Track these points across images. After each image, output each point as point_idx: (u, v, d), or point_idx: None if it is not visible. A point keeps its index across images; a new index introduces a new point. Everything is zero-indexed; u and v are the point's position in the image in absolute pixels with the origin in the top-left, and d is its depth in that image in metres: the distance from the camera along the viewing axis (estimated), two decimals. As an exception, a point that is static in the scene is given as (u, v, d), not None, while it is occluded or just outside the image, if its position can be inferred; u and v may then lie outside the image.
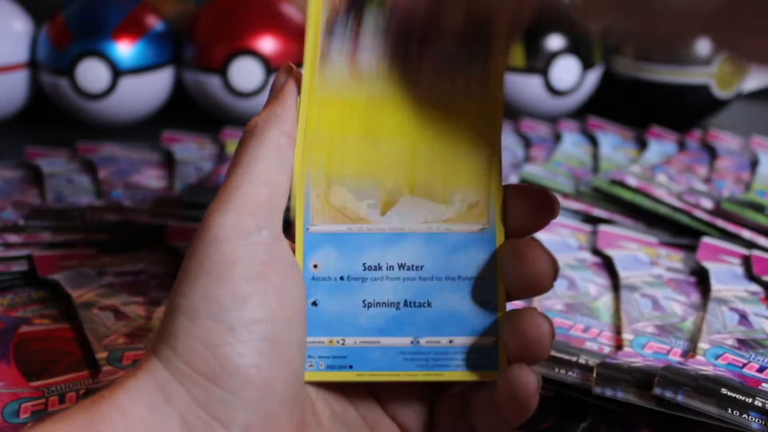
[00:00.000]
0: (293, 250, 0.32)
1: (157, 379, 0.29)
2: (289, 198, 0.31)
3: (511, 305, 0.32)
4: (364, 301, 0.32)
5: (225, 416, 0.28)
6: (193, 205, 0.57)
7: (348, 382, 0.32)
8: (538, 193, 0.32)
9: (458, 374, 0.32)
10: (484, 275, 0.32)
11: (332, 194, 0.32)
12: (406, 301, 0.32)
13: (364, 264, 0.32)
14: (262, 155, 0.30)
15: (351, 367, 0.32)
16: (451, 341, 0.32)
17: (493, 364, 0.32)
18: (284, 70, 0.33)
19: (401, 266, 0.32)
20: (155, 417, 0.28)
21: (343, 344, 0.32)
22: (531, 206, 0.32)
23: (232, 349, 0.28)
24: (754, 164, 0.68)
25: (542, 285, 0.31)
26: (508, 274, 0.31)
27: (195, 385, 0.28)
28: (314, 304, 0.32)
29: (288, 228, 0.31)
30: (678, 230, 0.57)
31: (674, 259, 0.53)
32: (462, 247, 0.32)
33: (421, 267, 0.32)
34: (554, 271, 0.31)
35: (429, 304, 0.32)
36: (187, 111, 0.80)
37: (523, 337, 0.31)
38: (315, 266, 0.32)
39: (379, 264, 0.32)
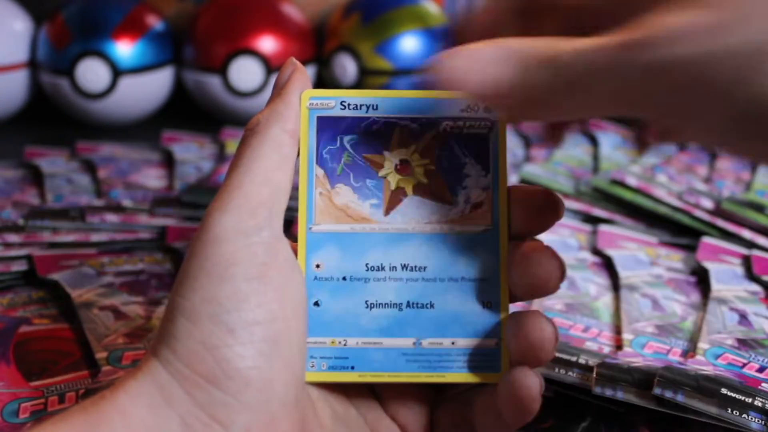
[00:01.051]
0: (294, 250, 0.31)
1: (157, 381, 0.28)
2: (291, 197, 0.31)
3: (513, 306, 0.32)
4: (366, 301, 0.32)
5: (225, 418, 0.28)
6: (193, 205, 0.57)
7: (349, 383, 0.32)
8: (542, 194, 0.32)
9: (460, 376, 0.32)
10: (487, 276, 0.32)
11: (335, 193, 0.32)
12: (408, 302, 0.32)
13: (366, 264, 0.32)
14: (263, 154, 0.30)
15: (353, 368, 0.32)
16: (453, 343, 0.32)
17: (495, 366, 0.31)
18: (288, 66, 0.32)
19: (404, 267, 0.32)
20: (155, 418, 0.28)
21: (345, 345, 0.32)
22: (535, 207, 0.32)
23: (232, 351, 0.28)
24: (754, 164, 0.68)
25: (549, 287, 0.31)
26: (514, 276, 0.31)
27: (195, 386, 0.28)
28: (316, 304, 0.32)
29: (289, 227, 0.31)
30: (678, 230, 0.57)
31: (674, 259, 0.53)
32: (465, 248, 0.32)
33: (424, 268, 0.32)
34: (561, 273, 0.31)
35: (432, 305, 0.32)
36: (187, 111, 0.80)
37: (526, 340, 0.30)
38: (317, 266, 0.32)
39: (381, 264, 0.32)
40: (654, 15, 0.25)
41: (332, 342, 0.32)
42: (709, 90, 0.24)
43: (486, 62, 0.27)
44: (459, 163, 0.32)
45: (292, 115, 0.31)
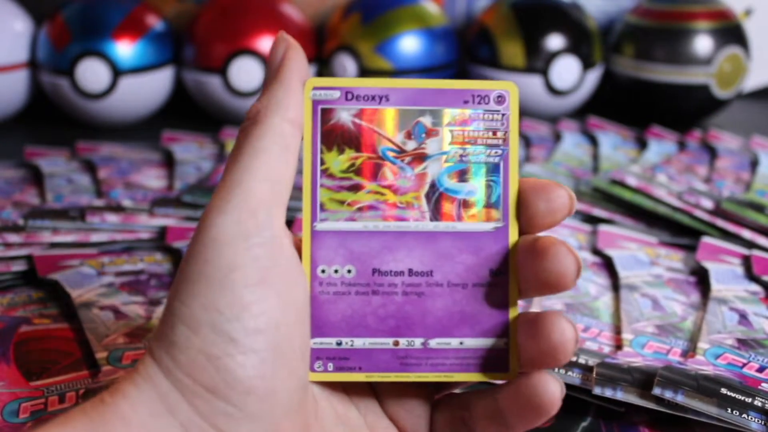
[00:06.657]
0: (297, 245, 0.30)
1: (158, 389, 0.28)
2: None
3: (522, 307, 0.32)
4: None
5: (228, 427, 0.27)
6: (193, 205, 0.57)
7: (355, 382, 0.32)
8: (553, 189, 0.30)
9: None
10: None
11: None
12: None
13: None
14: (263, 146, 0.28)
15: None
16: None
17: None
18: (279, 43, 0.30)
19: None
20: (157, 426, 0.27)
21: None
22: (546, 202, 0.30)
23: (234, 361, 0.27)
24: (754, 164, 0.68)
25: (565, 283, 0.29)
26: (526, 272, 0.30)
27: (197, 396, 0.27)
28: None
29: (290, 226, 0.30)
30: (678, 230, 0.57)
31: (674, 258, 0.53)
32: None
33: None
34: (577, 268, 0.29)
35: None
36: (187, 111, 0.80)
37: (547, 341, 0.29)
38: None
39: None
40: None
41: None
42: None
43: None
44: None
45: (293, 102, 0.29)
